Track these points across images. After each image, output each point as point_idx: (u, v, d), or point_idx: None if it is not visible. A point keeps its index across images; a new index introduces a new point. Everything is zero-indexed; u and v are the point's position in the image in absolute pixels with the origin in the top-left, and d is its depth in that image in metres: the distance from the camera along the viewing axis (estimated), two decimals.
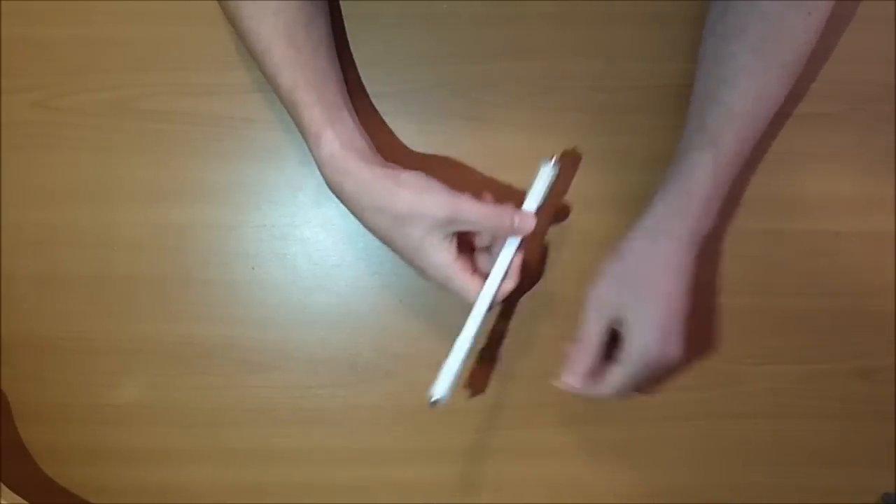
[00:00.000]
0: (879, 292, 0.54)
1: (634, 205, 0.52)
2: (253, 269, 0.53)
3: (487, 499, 0.55)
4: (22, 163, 0.53)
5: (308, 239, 0.53)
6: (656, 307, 0.46)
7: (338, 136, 0.44)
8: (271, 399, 0.54)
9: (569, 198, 0.53)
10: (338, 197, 0.45)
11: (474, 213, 0.43)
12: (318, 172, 0.51)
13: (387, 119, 0.52)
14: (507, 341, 0.54)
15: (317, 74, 0.45)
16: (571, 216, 0.53)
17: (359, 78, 0.52)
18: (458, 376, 0.45)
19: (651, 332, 0.46)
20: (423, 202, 0.42)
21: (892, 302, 0.54)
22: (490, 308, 0.45)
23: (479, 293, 0.45)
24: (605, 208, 0.53)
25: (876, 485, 0.55)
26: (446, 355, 0.54)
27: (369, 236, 0.53)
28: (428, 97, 0.52)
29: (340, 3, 0.52)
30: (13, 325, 0.53)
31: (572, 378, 0.47)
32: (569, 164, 0.52)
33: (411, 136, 0.53)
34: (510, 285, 0.46)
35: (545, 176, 0.46)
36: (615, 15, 0.52)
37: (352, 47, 0.52)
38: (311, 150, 0.45)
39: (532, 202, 0.46)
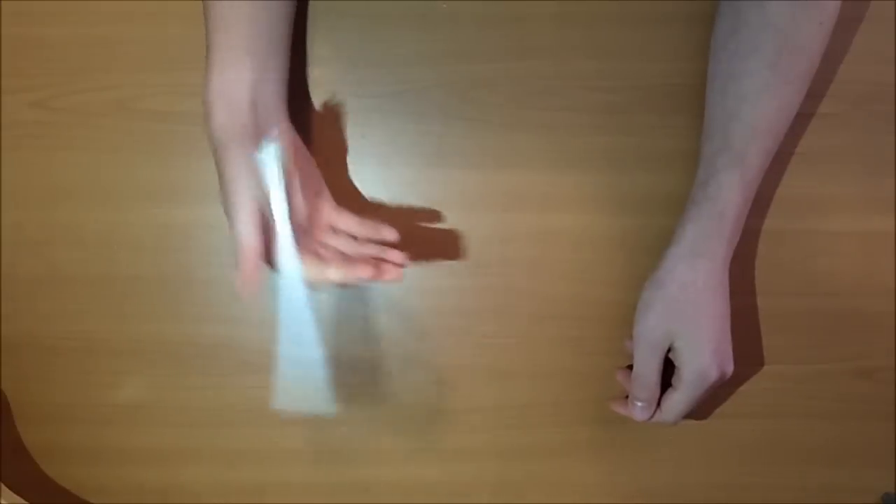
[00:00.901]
0: (879, 292, 0.54)
1: (634, 205, 0.52)
2: None
3: (487, 499, 0.55)
4: (22, 163, 0.53)
5: None
6: (706, 329, 0.46)
7: (221, 84, 0.43)
8: (270, 399, 0.54)
9: (568, 198, 0.53)
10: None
11: (237, 232, 0.42)
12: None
13: (387, 119, 0.52)
14: (507, 342, 0.54)
15: (235, 16, 0.44)
16: (571, 216, 0.53)
17: (358, 79, 0.52)
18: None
19: (705, 354, 0.46)
20: (229, 183, 0.42)
21: (892, 302, 0.54)
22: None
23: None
24: (605, 208, 0.53)
25: (876, 485, 0.55)
26: (446, 356, 0.54)
27: None
28: (428, 97, 0.52)
29: (341, 3, 0.52)
30: (13, 325, 0.53)
31: (640, 414, 0.49)
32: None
33: (411, 136, 0.52)
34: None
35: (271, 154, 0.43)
36: (615, 15, 0.52)
37: (352, 47, 0.52)
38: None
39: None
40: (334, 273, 0.43)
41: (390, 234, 0.46)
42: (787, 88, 0.46)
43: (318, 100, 0.52)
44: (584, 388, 0.54)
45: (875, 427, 0.55)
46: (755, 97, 0.45)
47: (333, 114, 0.52)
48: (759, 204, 0.53)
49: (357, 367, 0.54)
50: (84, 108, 0.52)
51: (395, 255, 0.45)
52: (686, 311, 0.46)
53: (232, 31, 0.44)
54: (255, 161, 0.43)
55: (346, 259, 0.45)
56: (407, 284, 0.53)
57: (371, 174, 0.53)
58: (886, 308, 0.54)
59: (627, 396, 0.51)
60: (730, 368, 0.47)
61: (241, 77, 0.44)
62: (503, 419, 0.54)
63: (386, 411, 0.54)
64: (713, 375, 0.46)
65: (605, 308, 0.53)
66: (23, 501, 0.51)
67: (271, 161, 0.43)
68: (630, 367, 0.50)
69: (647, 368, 0.48)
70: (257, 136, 0.44)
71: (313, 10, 0.51)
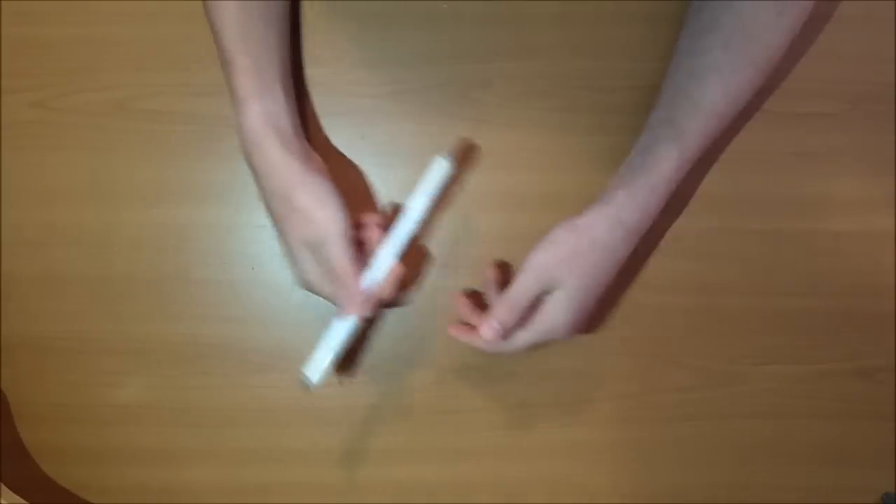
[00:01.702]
0: (879, 292, 0.54)
1: None
2: (253, 269, 0.53)
3: (487, 499, 0.55)
4: (22, 163, 0.53)
5: None
6: (588, 291, 0.46)
7: (263, 110, 0.44)
8: (271, 399, 0.54)
9: (568, 198, 0.53)
10: (248, 166, 0.46)
11: (334, 259, 0.44)
12: None
13: (386, 119, 0.52)
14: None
15: (260, 44, 0.45)
16: (570, 216, 0.53)
17: (357, 79, 0.52)
18: (331, 363, 0.47)
19: (573, 313, 0.46)
20: (311, 213, 0.44)
21: (892, 302, 0.54)
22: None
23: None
24: None
25: (876, 485, 0.55)
26: (446, 356, 0.54)
27: None
28: (428, 97, 0.52)
29: (341, 2, 0.52)
30: (13, 325, 0.53)
31: (490, 332, 0.46)
32: (463, 157, 0.52)
33: (410, 136, 0.53)
34: (385, 293, 0.47)
35: (438, 173, 0.46)
36: (615, 15, 0.52)
37: (352, 47, 0.52)
38: (236, 115, 0.45)
39: (421, 199, 0.47)
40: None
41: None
42: (737, 73, 0.45)
43: (318, 100, 0.52)
44: (585, 388, 0.54)
45: (875, 427, 0.55)
46: (703, 75, 0.45)
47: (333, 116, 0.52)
48: (759, 204, 0.53)
49: (356, 367, 0.54)
50: (84, 108, 0.52)
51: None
52: (583, 268, 0.45)
53: (262, 58, 0.45)
54: (329, 188, 0.44)
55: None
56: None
57: (371, 174, 0.53)
58: (886, 308, 0.54)
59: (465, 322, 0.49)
60: (576, 333, 0.47)
61: (279, 104, 0.45)
62: (503, 419, 0.54)
63: (386, 411, 0.54)
64: (564, 333, 0.46)
65: (606, 308, 0.53)
66: (23, 501, 0.51)
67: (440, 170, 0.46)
68: (469, 295, 0.50)
69: (524, 296, 0.46)
70: (311, 161, 0.45)
71: (312, 10, 0.52)
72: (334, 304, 0.46)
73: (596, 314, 0.52)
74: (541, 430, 0.54)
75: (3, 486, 0.51)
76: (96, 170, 0.53)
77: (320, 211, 0.44)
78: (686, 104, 0.46)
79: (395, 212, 0.51)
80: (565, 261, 0.45)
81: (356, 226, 0.47)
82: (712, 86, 0.45)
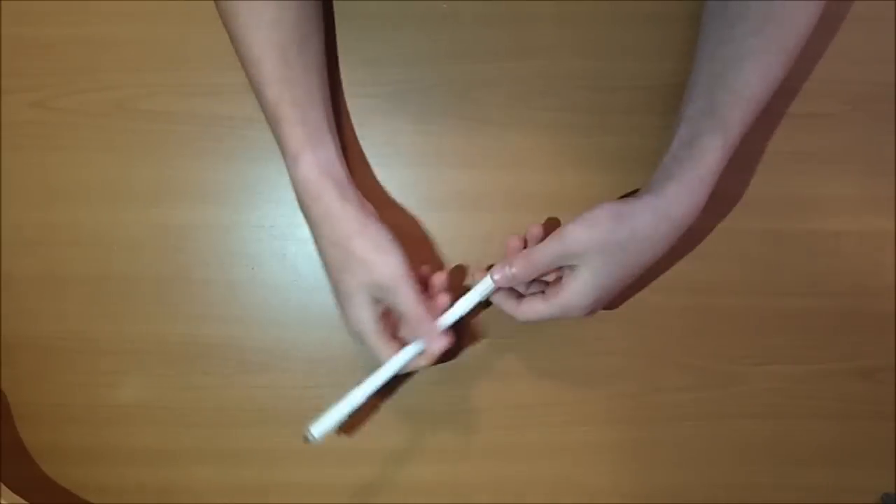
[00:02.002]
0: (879, 292, 0.54)
1: None
2: (253, 269, 0.53)
3: (487, 499, 0.55)
4: (22, 163, 0.53)
5: (308, 239, 0.53)
6: (614, 280, 0.45)
7: (317, 160, 0.45)
8: (271, 399, 0.54)
9: (568, 198, 0.53)
10: (304, 216, 0.46)
11: (403, 302, 0.44)
12: None
13: (386, 119, 0.52)
14: (507, 341, 0.54)
15: (304, 94, 0.45)
16: (571, 216, 0.53)
17: (358, 79, 0.52)
18: (341, 423, 0.47)
19: (594, 295, 0.45)
20: (372, 259, 0.44)
21: (892, 302, 0.54)
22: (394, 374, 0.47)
23: (387, 359, 0.46)
24: None
25: (876, 485, 0.55)
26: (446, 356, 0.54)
27: None
28: (427, 97, 0.52)
29: (341, 2, 0.52)
30: (13, 325, 0.53)
31: (502, 279, 0.46)
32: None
33: (410, 135, 0.53)
34: (423, 363, 0.47)
35: (483, 288, 0.47)
36: (615, 15, 0.52)
37: (352, 47, 0.52)
38: (287, 167, 0.46)
39: (461, 308, 0.47)
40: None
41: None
42: (770, 58, 0.45)
43: None
44: (584, 388, 0.54)
45: (875, 427, 0.55)
46: (740, 63, 0.45)
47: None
48: (759, 204, 0.53)
49: (357, 367, 0.54)
50: (83, 108, 0.52)
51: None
52: (616, 255, 0.45)
53: (308, 109, 0.45)
54: (387, 234, 0.45)
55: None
56: None
57: (371, 174, 0.53)
58: (886, 308, 0.54)
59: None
60: (589, 314, 0.47)
61: (330, 153, 0.45)
62: (503, 419, 0.54)
63: (386, 411, 0.54)
64: (580, 314, 0.46)
65: (606, 308, 0.53)
66: (23, 501, 0.51)
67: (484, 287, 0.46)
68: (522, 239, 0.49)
69: (545, 260, 0.45)
70: (366, 209, 0.46)
71: None
72: (379, 359, 0.47)
73: (737, 339, 0.53)
74: (541, 430, 0.54)
75: (3, 486, 0.51)
76: (96, 170, 0.53)
77: (383, 256, 0.44)
78: (725, 93, 0.45)
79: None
80: (598, 243, 0.44)
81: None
82: (749, 73, 0.45)
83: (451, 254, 0.53)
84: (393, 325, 0.47)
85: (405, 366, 0.47)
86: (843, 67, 0.52)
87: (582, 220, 0.45)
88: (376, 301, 0.45)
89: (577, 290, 0.45)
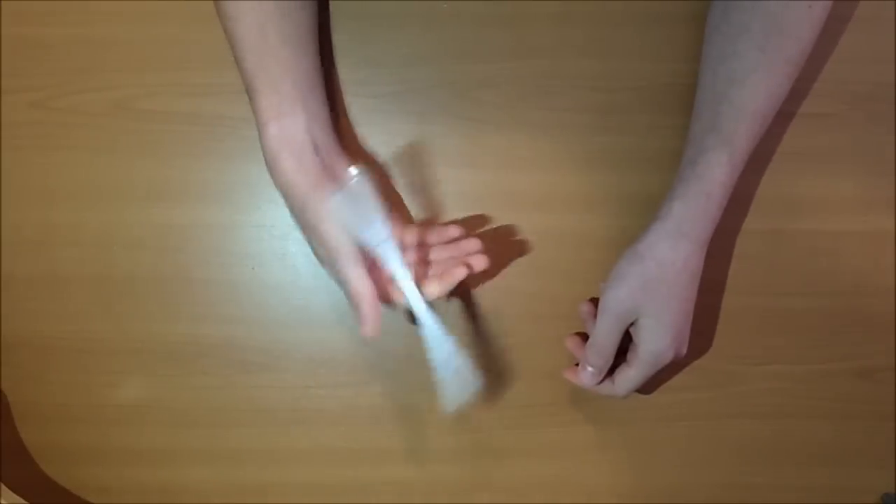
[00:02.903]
0: (879, 292, 0.54)
1: (634, 205, 0.52)
2: (253, 269, 0.53)
3: (487, 499, 0.55)
4: (22, 163, 0.53)
5: None
6: (673, 312, 0.46)
7: (280, 130, 0.44)
8: (271, 399, 0.54)
9: (569, 198, 0.53)
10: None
11: (346, 277, 0.44)
12: None
13: (386, 119, 0.52)
14: (507, 341, 0.54)
15: (279, 64, 0.45)
16: (571, 216, 0.53)
17: (358, 79, 0.52)
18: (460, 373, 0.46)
19: (667, 336, 0.46)
20: (318, 229, 0.44)
21: (892, 302, 0.54)
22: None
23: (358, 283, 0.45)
24: (605, 209, 0.53)
25: (876, 485, 0.55)
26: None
27: None
28: (428, 97, 0.52)
29: (342, 2, 0.52)
30: (13, 325, 0.53)
31: (589, 379, 0.49)
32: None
33: (410, 135, 0.53)
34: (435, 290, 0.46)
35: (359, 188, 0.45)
36: (615, 15, 0.52)
37: (352, 47, 0.52)
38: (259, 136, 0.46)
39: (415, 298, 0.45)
40: (443, 285, 0.45)
41: (456, 230, 0.48)
42: (775, 71, 0.46)
43: None
44: (584, 389, 0.54)
45: (875, 427, 0.55)
46: (744, 78, 0.45)
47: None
48: (759, 204, 0.53)
49: (357, 367, 0.54)
50: (83, 108, 0.52)
51: (472, 245, 0.47)
52: (659, 291, 0.46)
53: (280, 80, 0.45)
54: (339, 201, 0.44)
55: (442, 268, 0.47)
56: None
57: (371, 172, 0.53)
58: (886, 308, 0.54)
59: (578, 364, 0.51)
60: (684, 352, 0.48)
61: (297, 124, 0.45)
62: (503, 419, 0.54)
63: (386, 411, 0.54)
64: (669, 358, 0.47)
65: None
66: (23, 501, 0.51)
67: (364, 194, 0.44)
68: (580, 335, 0.51)
69: (608, 339, 0.47)
70: (328, 178, 0.45)
71: None
72: (351, 286, 0.45)
73: (737, 339, 0.54)
74: (541, 430, 0.54)
75: (3, 486, 0.51)
76: (96, 170, 0.53)
77: (325, 225, 0.44)
78: (730, 108, 0.46)
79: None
80: (638, 290, 0.46)
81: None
82: (753, 88, 0.45)
83: None
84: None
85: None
86: (843, 67, 0.52)
87: (611, 282, 0.47)
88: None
89: (650, 340, 0.46)
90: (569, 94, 0.52)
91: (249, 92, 0.46)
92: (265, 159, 0.45)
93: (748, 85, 0.45)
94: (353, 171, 0.44)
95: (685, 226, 0.46)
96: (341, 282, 0.45)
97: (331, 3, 0.52)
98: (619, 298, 0.46)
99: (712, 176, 0.45)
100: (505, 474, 0.55)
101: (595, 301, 0.51)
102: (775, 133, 0.53)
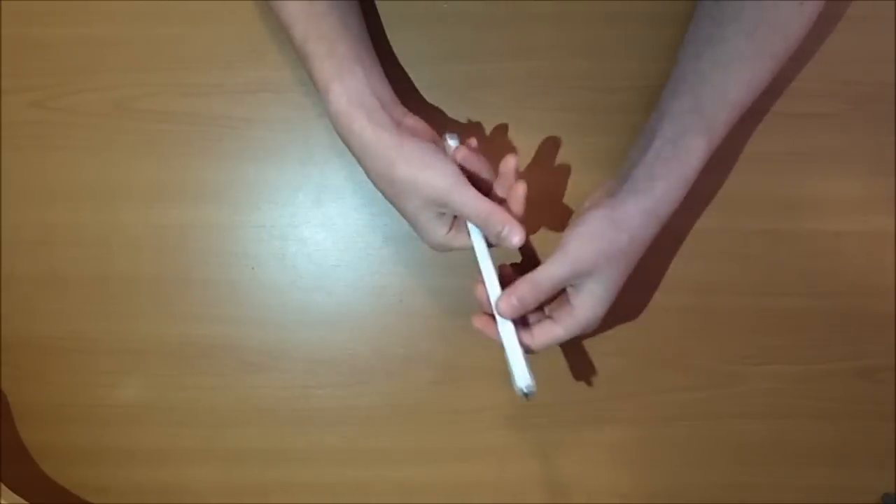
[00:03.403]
0: (879, 292, 0.54)
1: None
2: (253, 269, 0.53)
3: (488, 499, 0.55)
4: (22, 163, 0.53)
5: (308, 239, 0.53)
6: (619, 284, 0.45)
7: (346, 91, 0.43)
8: (271, 399, 0.54)
9: (568, 197, 0.53)
10: (348, 149, 0.45)
11: (466, 205, 0.43)
12: (317, 172, 0.51)
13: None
14: None
15: (331, 27, 0.45)
16: (570, 217, 0.53)
17: None
18: (527, 359, 0.44)
19: (603, 306, 0.45)
20: (417, 179, 0.42)
21: (892, 302, 0.54)
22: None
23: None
24: None
25: (876, 485, 0.55)
26: (447, 356, 0.54)
27: (369, 236, 0.53)
28: (428, 97, 0.52)
29: None
30: (13, 325, 0.53)
31: (509, 310, 0.44)
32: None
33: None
34: (516, 240, 0.44)
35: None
36: (614, 15, 0.52)
37: None
38: (324, 103, 0.45)
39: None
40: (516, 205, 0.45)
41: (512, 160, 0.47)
42: (759, 63, 0.45)
43: (318, 99, 0.52)
44: (584, 389, 0.54)
45: (875, 427, 0.55)
46: (728, 64, 0.45)
47: None
48: (759, 204, 0.53)
49: (357, 367, 0.54)
50: (83, 108, 0.52)
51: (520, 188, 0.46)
52: (619, 263, 0.45)
53: (334, 42, 0.44)
54: (427, 149, 0.43)
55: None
56: (407, 284, 0.53)
57: None
58: (886, 308, 0.54)
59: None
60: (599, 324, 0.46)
61: (359, 83, 0.44)
62: (503, 419, 0.54)
63: (386, 411, 0.54)
64: (595, 326, 0.46)
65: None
66: (23, 501, 0.51)
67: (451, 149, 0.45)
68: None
69: (551, 282, 0.44)
70: (404, 132, 0.44)
71: None
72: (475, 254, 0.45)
73: (737, 338, 0.54)
74: (541, 430, 0.54)
75: (3, 486, 0.51)
76: (96, 170, 0.53)
77: (426, 172, 0.42)
78: (712, 94, 0.45)
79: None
80: (604, 255, 0.44)
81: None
82: (737, 75, 0.45)
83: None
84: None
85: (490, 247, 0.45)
86: (843, 67, 0.52)
87: (580, 234, 0.44)
88: (442, 214, 0.44)
89: (590, 306, 0.45)
90: (568, 94, 0.52)
91: (303, 59, 0.45)
92: (335, 124, 0.44)
93: (732, 71, 0.45)
94: (452, 138, 0.45)
95: (661, 208, 0.45)
96: (463, 213, 0.43)
97: None
98: (584, 254, 0.44)
99: (691, 161, 0.45)
100: (505, 474, 0.55)
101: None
102: (776, 133, 0.53)
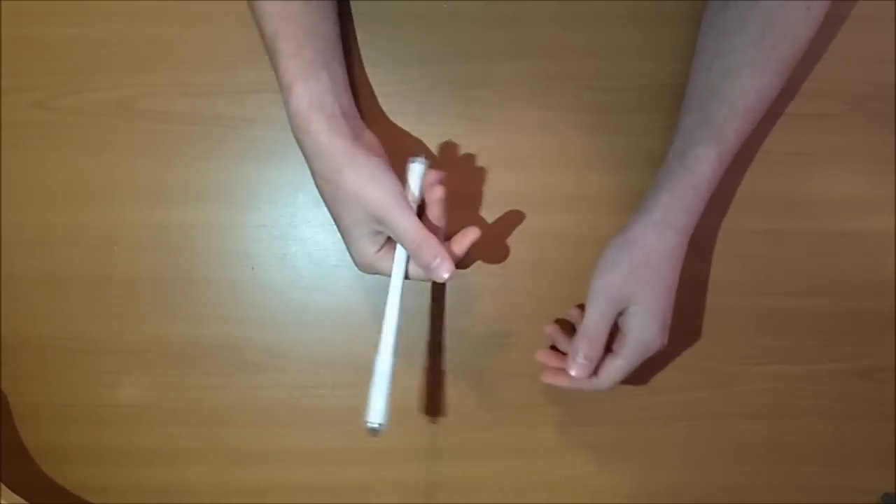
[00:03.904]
0: (879, 292, 0.54)
1: (633, 205, 0.52)
2: (253, 269, 0.53)
3: (487, 499, 0.55)
4: (22, 163, 0.53)
5: (308, 239, 0.53)
6: (661, 299, 0.46)
7: (308, 94, 0.44)
8: (271, 399, 0.54)
9: (568, 197, 0.53)
10: (300, 149, 0.45)
11: (402, 227, 0.43)
12: None
13: (386, 119, 0.52)
14: (507, 341, 0.54)
15: (301, 28, 0.45)
16: (571, 216, 0.53)
17: (356, 79, 0.52)
18: (389, 396, 0.45)
19: (655, 323, 0.46)
20: (363, 190, 0.42)
21: (892, 302, 0.54)
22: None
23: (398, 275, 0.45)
24: (604, 208, 0.53)
25: (876, 485, 0.55)
26: (446, 356, 0.54)
27: None
28: (428, 97, 0.52)
29: (341, 3, 0.52)
30: (13, 325, 0.53)
31: (579, 370, 0.46)
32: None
33: (411, 136, 0.52)
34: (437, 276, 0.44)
35: (416, 174, 0.45)
36: (615, 15, 0.52)
37: (352, 47, 0.52)
38: (283, 100, 0.45)
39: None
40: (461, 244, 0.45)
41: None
42: (769, 69, 0.46)
43: None
44: (568, 388, 0.54)
45: (875, 427, 0.55)
46: (737, 74, 0.45)
47: None
48: (759, 204, 0.53)
49: (357, 367, 0.54)
50: (83, 108, 0.52)
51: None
52: (649, 278, 0.46)
53: (303, 44, 0.44)
54: (378, 164, 0.43)
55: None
56: (407, 284, 0.53)
57: None
58: (886, 308, 0.54)
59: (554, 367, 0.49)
60: (666, 341, 0.47)
61: (323, 87, 0.44)
62: (503, 419, 0.54)
63: None
64: (656, 347, 0.46)
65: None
66: (23, 501, 0.51)
67: (416, 181, 0.45)
68: (558, 324, 0.49)
69: (600, 325, 0.46)
70: (361, 145, 0.44)
71: None
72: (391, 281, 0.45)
73: (737, 338, 0.54)
74: (541, 430, 0.54)
75: (3, 486, 0.51)
76: (96, 170, 0.53)
77: (372, 186, 0.42)
78: (721, 104, 0.46)
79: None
80: (630, 276, 0.45)
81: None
82: (746, 83, 0.45)
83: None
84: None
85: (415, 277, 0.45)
86: (843, 67, 0.52)
87: (601, 268, 0.46)
88: (377, 233, 0.44)
89: (640, 328, 0.46)
90: (569, 94, 0.52)
91: (271, 55, 0.45)
92: (292, 123, 0.44)
93: (741, 81, 0.45)
94: (418, 159, 0.45)
95: (672, 217, 0.46)
96: (397, 236, 0.43)
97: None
98: (612, 284, 0.46)
99: (700, 170, 0.46)
100: (505, 474, 0.55)
101: (567, 325, 0.51)
102: (775, 133, 0.53)
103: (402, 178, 0.44)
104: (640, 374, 0.54)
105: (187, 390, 0.54)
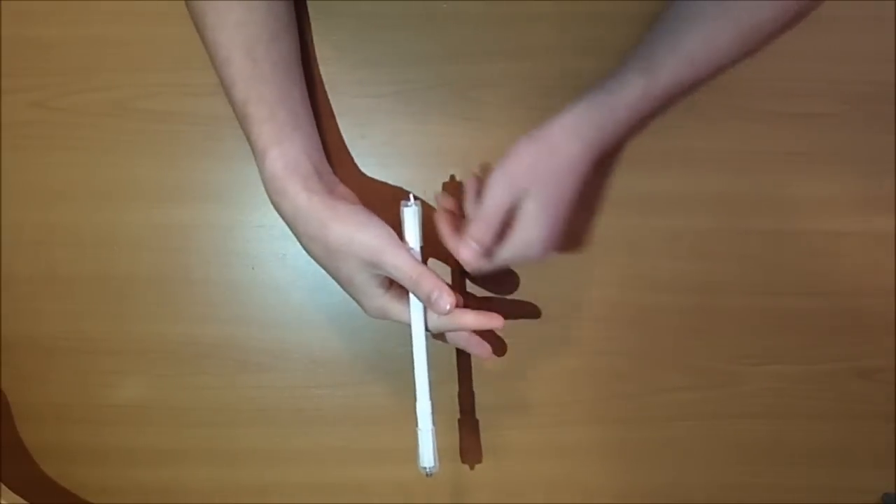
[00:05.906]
0: (879, 292, 0.54)
1: (634, 204, 0.52)
2: (253, 268, 0.53)
3: (487, 499, 0.55)
4: (22, 163, 0.53)
5: None
6: (555, 206, 0.46)
7: (282, 156, 0.44)
8: (271, 399, 0.54)
9: None
10: (279, 215, 0.45)
11: (397, 266, 0.43)
12: None
13: (386, 119, 0.52)
14: (507, 341, 0.54)
15: (272, 91, 0.45)
16: (570, 216, 0.53)
17: (358, 79, 0.52)
18: (434, 440, 0.46)
19: (546, 226, 0.45)
20: (352, 238, 0.43)
21: (892, 302, 0.54)
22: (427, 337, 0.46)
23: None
24: (605, 208, 0.53)
25: (876, 485, 0.55)
26: (446, 356, 0.54)
27: None
28: (428, 97, 0.52)
29: (341, 3, 0.52)
30: (13, 325, 0.53)
31: (469, 253, 0.45)
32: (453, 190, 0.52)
33: (410, 136, 0.53)
34: (468, 324, 0.45)
35: (411, 217, 0.45)
36: (615, 15, 0.52)
37: (352, 47, 0.52)
38: (257, 165, 0.45)
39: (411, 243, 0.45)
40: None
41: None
42: (719, 26, 0.46)
43: (318, 99, 0.52)
44: (584, 388, 0.54)
45: (875, 427, 0.55)
46: (687, 19, 0.46)
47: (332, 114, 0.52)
48: (759, 204, 0.53)
49: (357, 367, 0.54)
50: (83, 108, 0.52)
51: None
52: (547, 178, 0.45)
53: (275, 107, 0.45)
54: (361, 210, 0.43)
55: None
56: None
57: (371, 174, 0.53)
58: (886, 308, 0.54)
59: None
60: (549, 254, 0.46)
61: (297, 150, 0.45)
62: (503, 419, 0.54)
63: (386, 411, 0.54)
64: (538, 252, 0.46)
65: (606, 308, 0.53)
66: (23, 501, 0.51)
67: (411, 223, 0.45)
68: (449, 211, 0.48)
69: (495, 210, 0.45)
70: (336, 195, 0.45)
71: (313, 10, 0.52)
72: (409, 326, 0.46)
73: (737, 339, 0.53)
74: (541, 430, 0.54)
75: (3, 486, 0.51)
76: (96, 170, 0.53)
77: (359, 234, 0.43)
78: (663, 44, 0.46)
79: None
80: (530, 168, 0.45)
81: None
82: (693, 31, 0.46)
83: (450, 253, 0.53)
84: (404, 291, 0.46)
85: (442, 328, 0.46)
86: (843, 67, 0.52)
87: (505, 157, 0.45)
88: (377, 276, 0.44)
89: (528, 223, 0.45)
90: (569, 94, 0.52)
91: (242, 120, 0.45)
92: (268, 187, 0.44)
93: (691, 28, 0.46)
94: (410, 201, 0.45)
95: (581, 127, 0.45)
96: (394, 274, 0.43)
97: (330, 2, 0.52)
98: (511, 172, 0.45)
99: (623, 94, 0.46)
100: (505, 474, 0.55)
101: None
102: (775, 133, 0.53)
103: (393, 222, 0.44)
104: (641, 374, 0.54)
105: (188, 390, 0.54)
